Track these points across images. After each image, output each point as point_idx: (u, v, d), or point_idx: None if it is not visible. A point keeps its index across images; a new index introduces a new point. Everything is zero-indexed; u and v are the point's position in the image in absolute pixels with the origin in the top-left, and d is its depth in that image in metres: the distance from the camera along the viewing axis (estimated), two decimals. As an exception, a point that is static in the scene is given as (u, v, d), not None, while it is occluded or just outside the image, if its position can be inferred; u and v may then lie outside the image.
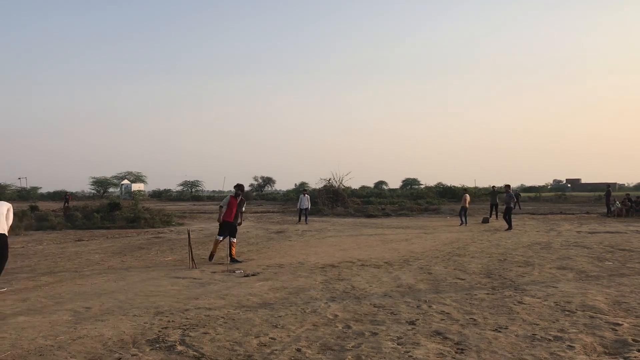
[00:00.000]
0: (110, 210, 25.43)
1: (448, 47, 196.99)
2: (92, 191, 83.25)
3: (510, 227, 20.37)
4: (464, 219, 23.84)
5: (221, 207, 12.23)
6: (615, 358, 4.87)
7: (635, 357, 4.87)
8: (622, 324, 6.05)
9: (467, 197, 24.59)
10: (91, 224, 23.16)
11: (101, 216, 24.30)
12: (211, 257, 12.07)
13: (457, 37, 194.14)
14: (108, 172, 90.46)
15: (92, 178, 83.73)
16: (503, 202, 22.55)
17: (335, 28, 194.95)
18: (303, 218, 26.22)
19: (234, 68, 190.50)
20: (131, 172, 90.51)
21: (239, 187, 12.45)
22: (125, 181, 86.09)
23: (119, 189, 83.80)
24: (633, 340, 5.41)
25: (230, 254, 11.95)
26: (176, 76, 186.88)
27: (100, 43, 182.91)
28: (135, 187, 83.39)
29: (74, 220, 23.60)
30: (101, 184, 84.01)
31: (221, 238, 12.13)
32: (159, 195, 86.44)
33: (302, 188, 64.81)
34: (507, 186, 21.93)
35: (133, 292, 8.41)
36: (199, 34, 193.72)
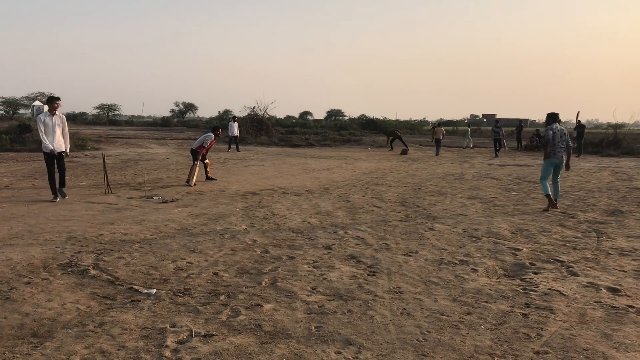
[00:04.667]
0: (20, 133, 24.05)
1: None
2: (1, 112, 78.05)
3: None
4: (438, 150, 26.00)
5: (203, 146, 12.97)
6: (513, 280, 5.26)
7: (530, 278, 5.29)
8: (521, 249, 6.51)
9: (441, 129, 26.85)
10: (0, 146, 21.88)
11: (10, 138, 22.95)
12: (188, 181, 12.51)
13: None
14: (18, 93, 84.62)
15: (1, 98, 78.34)
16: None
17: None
18: (233, 146, 26.08)
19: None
20: (43, 93, 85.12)
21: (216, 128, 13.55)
22: (37, 102, 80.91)
23: (30, 111, 78.94)
24: (530, 263, 5.85)
25: (207, 174, 13.33)
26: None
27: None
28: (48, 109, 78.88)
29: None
30: (10, 104, 78.74)
31: (197, 163, 12.77)
32: (74, 118, 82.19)
33: (226, 117, 63.80)
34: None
35: (44, 216, 8.12)
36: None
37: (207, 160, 13.44)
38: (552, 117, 9.70)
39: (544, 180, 9.62)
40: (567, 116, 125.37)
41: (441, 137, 26.06)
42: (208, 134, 13.15)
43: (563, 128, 9.68)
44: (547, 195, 9.49)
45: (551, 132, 9.49)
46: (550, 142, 9.48)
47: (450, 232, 7.50)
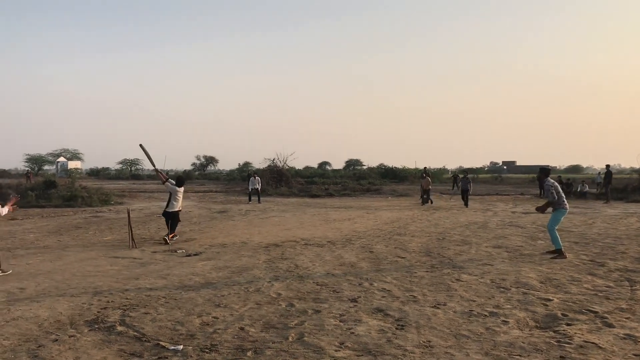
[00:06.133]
0: (45, 189, 24.51)
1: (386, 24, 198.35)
2: (27, 169, 79.81)
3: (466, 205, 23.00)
4: (424, 199, 25.04)
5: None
6: (546, 332, 5.12)
7: (563, 330, 5.14)
8: (552, 300, 6.35)
9: (428, 179, 25.59)
10: (25, 203, 22.23)
11: (36, 194, 23.38)
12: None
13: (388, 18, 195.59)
14: (43, 150, 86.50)
15: (27, 155, 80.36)
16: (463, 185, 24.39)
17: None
18: (254, 197, 26.32)
19: (177, 40, 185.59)
20: (67, 150, 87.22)
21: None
22: (62, 159, 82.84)
23: (54, 167, 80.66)
24: (562, 314, 5.70)
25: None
26: (112, 51, 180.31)
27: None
28: (72, 164, 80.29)
29: (7, 199, 22.59)
30: (36, 161, 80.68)
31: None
32: (97, 173, 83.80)
33: (246, 169, 64.33)
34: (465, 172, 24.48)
35: (70, 272, 8.17)
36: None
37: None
38: (547, 173, 10.17)
39: (556, 232, 9.79)
40: (590, 162, 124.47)
41: (429, 187, 25.24)
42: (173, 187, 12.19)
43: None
44: (560, 250, 9.57)
45: (555, 184, 9.82)
46: (560, 193, 9.67)
47: (477, 283, 7.37)
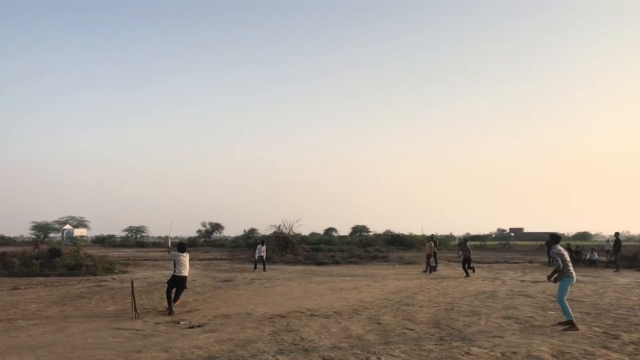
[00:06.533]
0: (50, 257, 24.37)
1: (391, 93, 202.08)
2: (32, 236, 79.86)
3: (467, 275, 21.99)
4: (430, 267, 24.43)
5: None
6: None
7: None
8: (566, 375, 6.14)
9: (431, 244, 25.04)
10: (29, 272, 22.13)
11: (40, 263, 23.25)
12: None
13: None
14: (50, 217, 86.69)
15: (33, 222, 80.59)
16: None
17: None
18: (259, 265, 26.11)
19: (186, 106, 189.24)
20: (74, 217, 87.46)
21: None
22: (67, 226, 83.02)
23: (60, 234, 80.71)
24: (577, 391, 5.50)
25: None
26: (122, 119, 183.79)
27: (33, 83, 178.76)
28: (78, 232, 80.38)
29: (11, 267, 22.52)
30: (42, 229, 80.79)
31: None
32: (102, 241, 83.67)
33: (252, 235, 64.21)
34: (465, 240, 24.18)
35: (71, 344, 8.01)
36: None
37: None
38: (556, 239, 9.96)
39: (566, 302, 9.52)
40: (599, 229, 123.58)
41: (431, 252, 24.74)
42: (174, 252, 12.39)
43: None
44: (571, 321, 9.34)
45: (562, 252, 9.69)
46: (566, 262, 9.61)
47: (488, 356, 7.16)
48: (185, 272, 12.07)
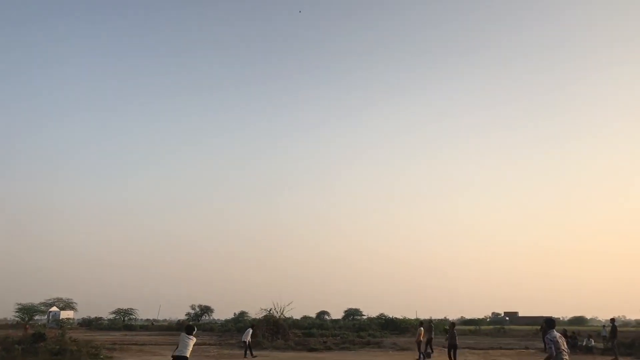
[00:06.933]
0: (33, 342, 23.71)
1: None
2: (16, 319, 77.69)
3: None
4: (422, 354, 23.84)
5: None
6: None
7: None
8: None
9: (421, 330, 24.51)
10: (11, 357, 21.44)
11: (22, 348, 22.56)
12: None
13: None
14: (36, 299, 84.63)
15: (18, 304, 78.59)
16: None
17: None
18: (249, 351, 25.61)
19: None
20: (61, 299, 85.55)
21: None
22: (54, 308, 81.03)
23: (46, 317, 78.62)
24: None
25: None
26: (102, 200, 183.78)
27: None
28: (64, 314, 78.32)
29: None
30: (27, 311, 78.64)
31: None
32: (89, 323, 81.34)
33: (242, 318, 62.96)
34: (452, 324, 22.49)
35: None
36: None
37: None
38: (551, 324, 9.80)
39: None
40: (594, 313, 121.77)
41: (421, 339, 24.12)
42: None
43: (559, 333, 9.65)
44: None
45: (557, 338, 9.51)
46: (561, 350, 9.39)
47: None
48: (187, 352, 12.38)
